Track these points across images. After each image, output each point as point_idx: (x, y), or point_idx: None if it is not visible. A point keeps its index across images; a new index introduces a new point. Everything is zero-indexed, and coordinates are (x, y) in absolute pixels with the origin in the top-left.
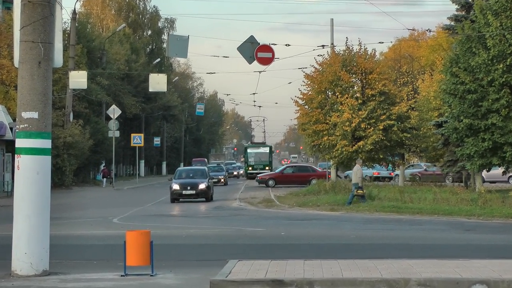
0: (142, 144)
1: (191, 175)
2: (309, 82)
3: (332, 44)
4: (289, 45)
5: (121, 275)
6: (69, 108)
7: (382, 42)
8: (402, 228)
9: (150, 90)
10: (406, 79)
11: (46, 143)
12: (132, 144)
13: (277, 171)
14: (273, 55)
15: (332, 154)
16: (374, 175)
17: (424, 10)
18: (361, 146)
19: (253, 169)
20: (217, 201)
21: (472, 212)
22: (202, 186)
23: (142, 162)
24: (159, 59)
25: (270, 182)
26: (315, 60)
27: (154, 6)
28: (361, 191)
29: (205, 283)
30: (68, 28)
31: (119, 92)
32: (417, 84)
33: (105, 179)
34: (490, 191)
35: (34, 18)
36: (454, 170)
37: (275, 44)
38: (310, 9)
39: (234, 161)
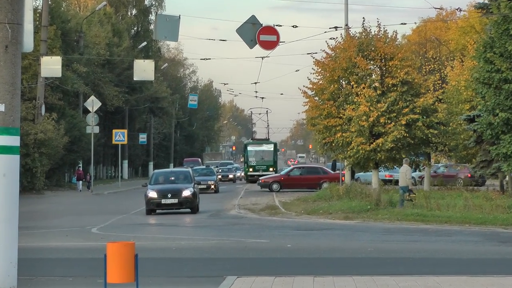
0: (125, 142)
1: (171, 179)
2: (319, 70)
3: (347, 25)
4: (296, 26)
5: None
6: (41, 100)
7: (405, 23)
8: (428, 240)
9: (135, 78)
10: (432, 66)
11: (14, 140)
12: (113, 142)
13: (282, 173)
14: (278, 38)
15: (347, 153)
16: (386, 178)
17: None
18: (380, 144)
19: (254, 170)
20: (204, 212)
21: (509, 221)
22: (186, 193)
23: (126, 163)
24: (145, 43)
25: (275, 186)
26: (327, 44)
27: None
28: (414, 194)
29: None
30: (40, 7)
31: (99, 81)
32: (445, 72)
33: (80, 182)
34: None
35: None
36: (488, 172)
37: (280, 26)
38: None
39: (231, 161)
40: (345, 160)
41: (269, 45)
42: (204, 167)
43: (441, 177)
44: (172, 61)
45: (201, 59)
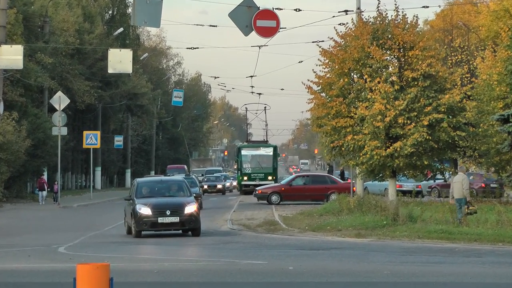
0: (98, 146)
1: (162, 191)
2: (327, 61)
3: (359, 9)
4: (299, 10)
5: None
6: None
7: (427, 7)
8: (455, 261)
9: (110, 71)
10: (459, 57)
11: None
12: (84, 146)
13: (283, 182)
14: (278, 24)
15: (359, 159)
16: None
17: None
18: (398, 149)
19: (249, 179)
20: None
21: None
22: (190, 209)
23: (99, 170)
24: (121, 29)
25: (274, 198)
26: (336, 30)
27: None
28: (473, 207)
29: None
30: None
31: (67, 74)
32: (475, 63)
33: (43, 192)
34: None
35: None
36: None
37: (280, 9)
38: None
39: (219, 168)
40: (357, 168)
41: (268, 32)
42: (185, 176)
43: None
44: (154, 50)
45: (187, 48)
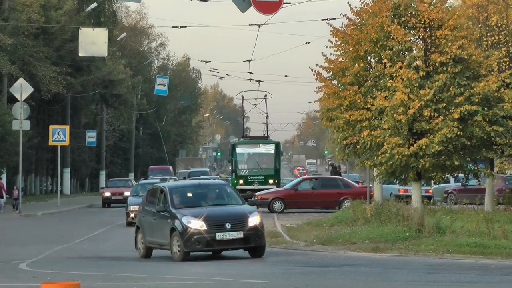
0: (67, 143)
1: (205, 199)
2: (339, 43)
3: None
4: None
5: None
6: None
7: None
8: (491, 280)
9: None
10: (497, 38)
11: None
12: (50, 143)
13: (287, 186)
14: None
15: (377, 159)
16: (400, 193)
17: None
18: (424, 147)
19: (246, 182)
20: None
21: None
22: (254, 220)
23: (68, 172)
24: (95, 5)
25: (276, 205)
26: (349, 6)
27: None
28: None
29: None
30: None
31: (31, 57)
32: None
33: (1, 199)
34: None
35: None
36: None
37: None
38: None
39: (206, 169)
40: (375, 169)
41: (269, 8)
42: (157, 181)
43: (508, 193)
44: (133, 29)
45: (173, 27)
